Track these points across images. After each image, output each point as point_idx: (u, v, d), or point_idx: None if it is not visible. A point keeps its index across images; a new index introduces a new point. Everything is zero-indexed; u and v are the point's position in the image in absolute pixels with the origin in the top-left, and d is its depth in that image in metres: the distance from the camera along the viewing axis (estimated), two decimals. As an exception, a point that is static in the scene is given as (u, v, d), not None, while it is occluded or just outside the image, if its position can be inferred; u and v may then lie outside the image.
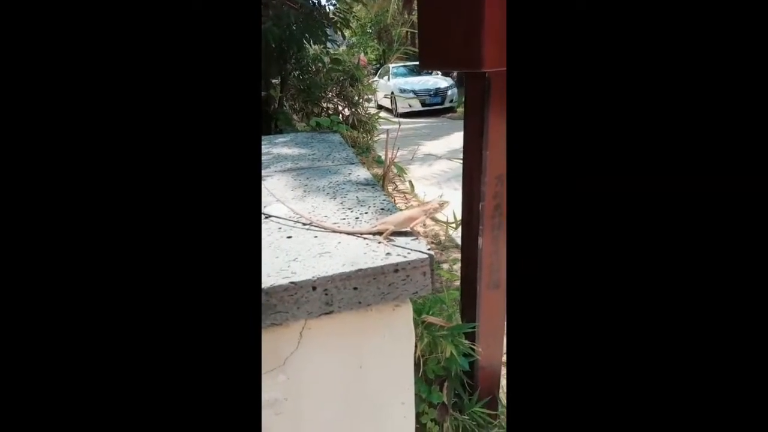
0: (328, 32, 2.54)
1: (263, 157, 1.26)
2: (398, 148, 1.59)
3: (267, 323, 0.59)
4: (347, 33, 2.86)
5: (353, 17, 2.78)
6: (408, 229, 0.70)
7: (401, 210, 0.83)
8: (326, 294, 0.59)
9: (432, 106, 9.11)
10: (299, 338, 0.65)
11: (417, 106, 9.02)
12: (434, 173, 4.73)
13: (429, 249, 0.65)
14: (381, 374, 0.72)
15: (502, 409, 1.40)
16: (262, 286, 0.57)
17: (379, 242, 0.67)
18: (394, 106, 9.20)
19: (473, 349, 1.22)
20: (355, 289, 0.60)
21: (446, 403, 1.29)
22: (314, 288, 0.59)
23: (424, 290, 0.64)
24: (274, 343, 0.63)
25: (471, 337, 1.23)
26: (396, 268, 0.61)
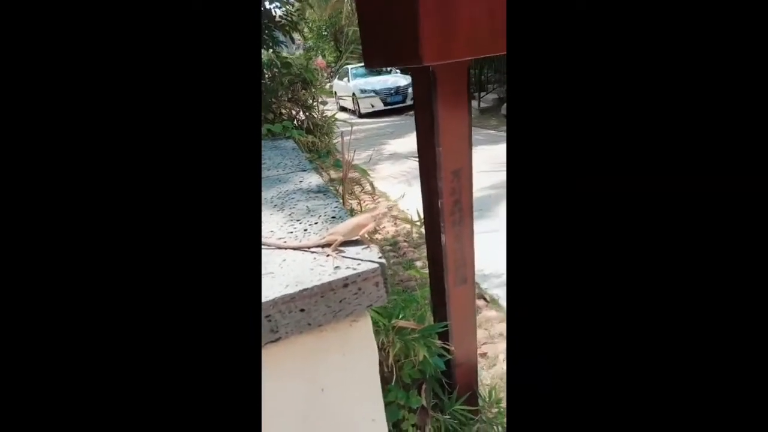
0: (276, 36, 2.45)
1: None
2: (355, 150, 1.54)
3: (204, 360, 0.52)
4: (302, 36, 2.77)
5: (304, 21, 2.70)
6: (358, 237, 0.65)
7: (353, 215, 0.78)
8: (269, 320, 0.54)
9: (394, 105, 9.13)
10: (248, 369, 0.59)
11: (379, 105, 9.01)
12: (402, 171, 4.73)
13: (380, 257, 0.61)
14: (345, 394, 0.68)
15: (483, 404, 1.40)
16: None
17: (328, 255, 0.62)
18: (356, 107, 9.15)
19: (446, 348, 1.20)
20: (302, 310, 0.55)
21: (425, 405, 1.26)
22: (254, 315, 0.53)
23: (379, 301, 0.60)
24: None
25: (445, 334, 1.21)
26: (345, 282, 0.57)
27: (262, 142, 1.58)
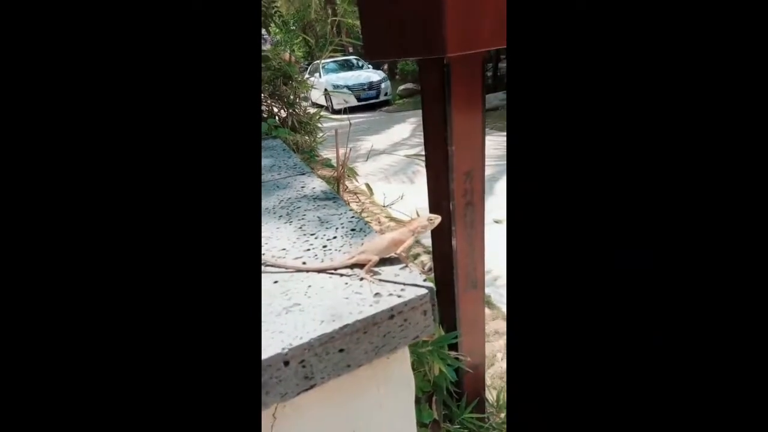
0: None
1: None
2: (350, 148, 1.44)
3: (225, 423, 0.42)
4: (268, 31, 2.61)
5: (276, 13, 2.53)
6: (394, 255, 0.56)
7: (375, 228, 0.69)
8: (303, 367, 0.44)
9: (367, 101, 9.02)
10: (272, 421, 0.49)
11: (352, 101, 8.88)
12: (380, 168, 4.64)
13: (425, 279, 0.52)
14: (379, 430, 0.59)
15: (491, 409, 1.38)
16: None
17: (361, 279, 0.53)
18: (329, 103, 8.96)
19: (458, 359, 1.15)
20: (342, 351, 0.46)
21: (437, 418, 1.21)
22: (287, 363, 0.43)
23: (425, 332, 0.51)
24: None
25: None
26: (391, 313, 0.47)
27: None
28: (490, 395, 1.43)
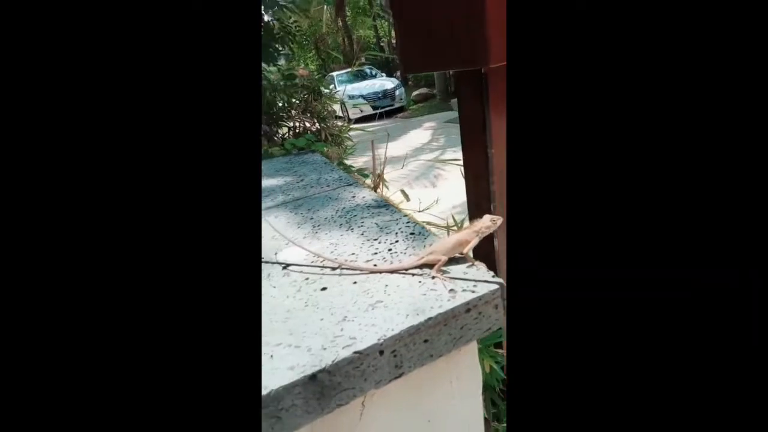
0: (277, 48, 2.39)
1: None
2: (386, 159, 1.49)
3: (332, 406, 0.47)
4: (287, 47, 2.73)
5: (297, 29, 2.65)
6: (459, 254, 0.61)
7: (434, 233, 0.74)
8: (395, 356, 0.49)
9: (383, 108, 9.12)
10: (361, 409, 0.54)
11: (368, 110, 9.00)
12: (402, 175, 4.70)
13: (494, 276, 0.57)
14: (450, 423, 0.63)
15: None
16: (321, 364, 0.45)
17: (433, 277, 0.58)
18: (345, 114, 9.12)
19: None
20: (426, 341, 0.51)
21: (487, 417, 1.23)
22: (381, 353, 0.48)
23: (496, 324, 0.56)
24: (331, 423, 0.52)
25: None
26: (468, 307, 0.52)
27: (288, 157, 1.52)
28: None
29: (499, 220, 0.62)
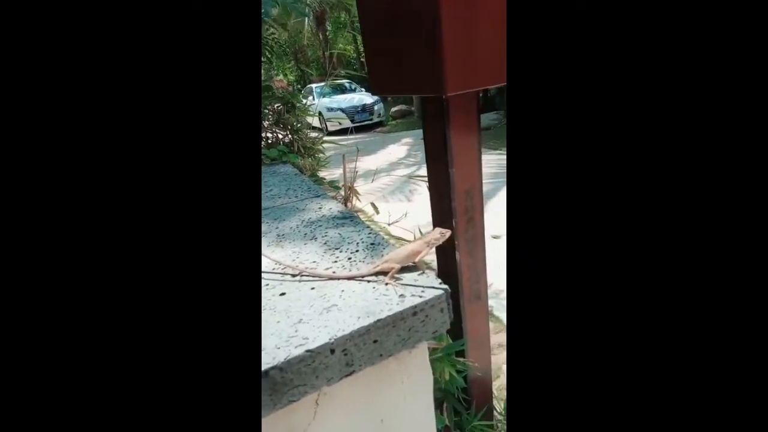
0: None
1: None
2: (357, 171, 1.55)
3: (284, 402, 0.50)
4: (265, 57, 2.78)
5: (274, 40, 2.70)
6: (412, 263, 0.66)
7: (392, 242, 0.79)
8: (346, 354, 0.53)
9: (362, 122, 9.24)
10: (315, 407, 0.57)
11: (347, 123, 9.09)
12: (377, 188, 4.77)
13: (440, 282, 0.62)
14: (403, 422, 0.67)
15: (500, 418, 1.42)
16: (274, 361, 0.48)
17: (386, 284, 0.63)
18: (323, 126, 9.17)
19: (466, 365, 1.21)
20: (375, 342, 0.55)
21: (449, 425, 1.26)
22: (332, 351, 0.52)
23: (443, 327, 0.61)
24: (287, 422, 0.55)
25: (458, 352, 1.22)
26: (414, 310, 0.57)
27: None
28: (498, 405, 1.49)
29: (448, 232, 0.68)
